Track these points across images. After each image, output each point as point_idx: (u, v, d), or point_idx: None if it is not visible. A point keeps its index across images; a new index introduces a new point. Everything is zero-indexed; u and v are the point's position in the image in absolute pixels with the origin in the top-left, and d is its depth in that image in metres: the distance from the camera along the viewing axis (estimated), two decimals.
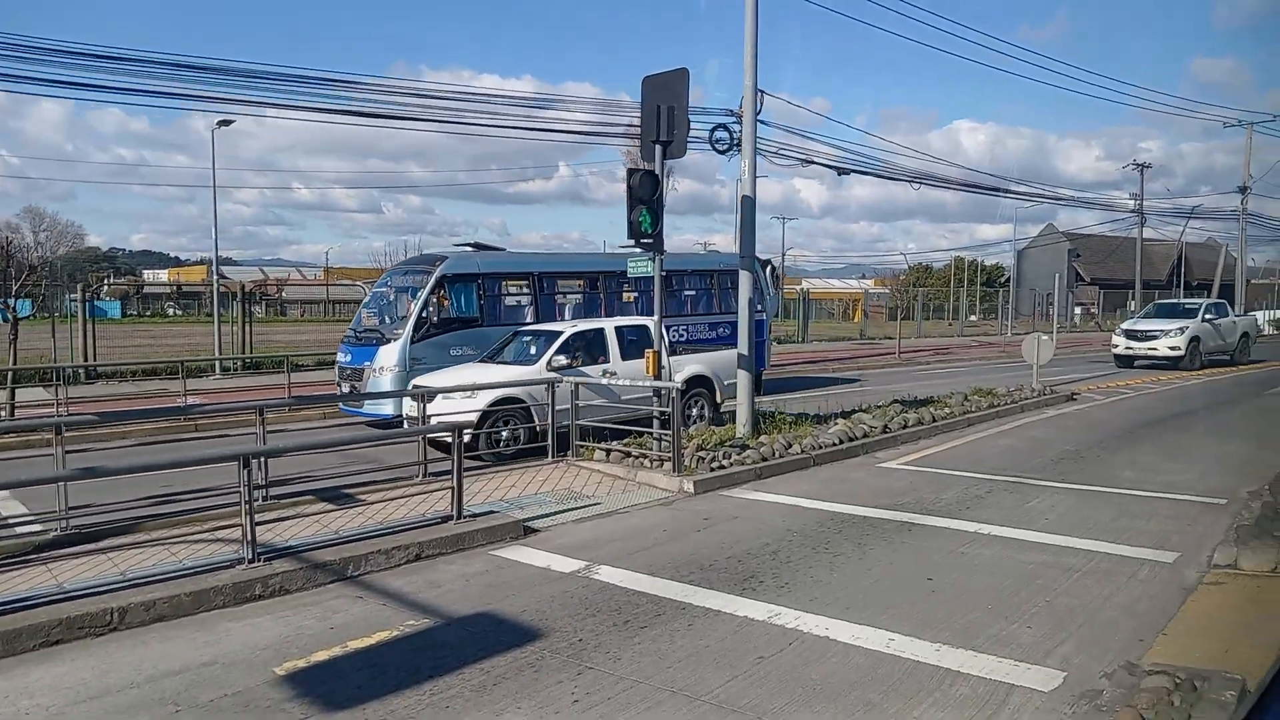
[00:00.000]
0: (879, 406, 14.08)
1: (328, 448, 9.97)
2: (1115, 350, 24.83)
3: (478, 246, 16.20)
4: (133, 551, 7.07)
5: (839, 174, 25.20)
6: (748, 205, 11.34)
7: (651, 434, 10.36)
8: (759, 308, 18.35)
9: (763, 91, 15.82)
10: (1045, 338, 18.08)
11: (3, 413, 14.24)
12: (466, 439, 10.52)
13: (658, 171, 9.76)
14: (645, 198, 9.56)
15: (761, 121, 18.41)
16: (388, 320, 14.97)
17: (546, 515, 8.41)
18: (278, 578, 6.42)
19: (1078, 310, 59.49)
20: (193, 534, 7.57)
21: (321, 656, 5.23)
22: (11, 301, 15.18)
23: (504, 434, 11.36)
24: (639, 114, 10.47)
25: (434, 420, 10.44)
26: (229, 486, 7.61)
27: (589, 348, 12.42)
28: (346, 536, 7.35)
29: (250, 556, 6.56)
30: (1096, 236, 61.85)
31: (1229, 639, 5.31)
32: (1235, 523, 7.71)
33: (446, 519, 7.79)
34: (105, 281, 71.12)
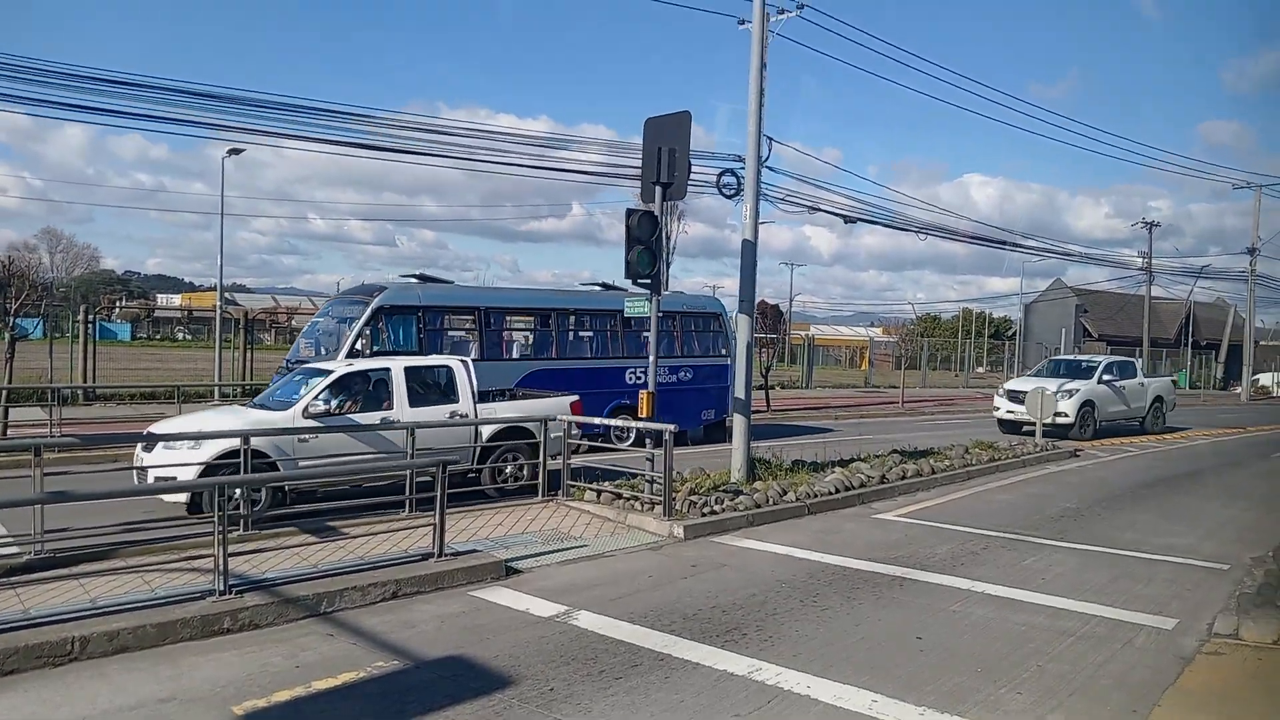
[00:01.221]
0: (878, 456, 13.89)
1: (310, 479, 9.80)
2: (996, 414, 21.40)
3: (422, 278, 15.50)
4: (107, 578, 6.91)
5: (846, 222, 25.31)
6: (748, 250, 11.28)
7: (642, 476, 10.19)
8: (723, 351, 18.10)
9: (770, 138, 15.88)
10: (1049, 392, 17.92)
11: None
12: (182, 499, 9.34)
13: (658, 213, 9.72)
14: (644, 238, 9.52)
15: (769, 168, 18.51)
16: (323, 351, 14.07)
17: (531, 556, 8.23)
18: (248, 611, 6.26)
19: None
20: (169, 562, 7.41)
21: (283, 697, 5.05)
22: (9, 320, 15.13)
23: (236, 494, 8.84)
24: None
25: (151, 475, 9.00)
26: (209, 514, 7.50)
27: (369, 391, 10.63)
28: (323, 571, 7.19)
29: (222, 588, 6.39)
30: (1105, 293, 61.86)
31: (1228, 716, 5.10)
32: (1237, 590, 7.50)
33: (427, 556, 7.62)
34: (117, 304, 71.58)
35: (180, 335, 70.59)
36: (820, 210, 24.69)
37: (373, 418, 10.28)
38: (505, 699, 5.05)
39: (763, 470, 11.96)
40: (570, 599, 7.00)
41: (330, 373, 10.49)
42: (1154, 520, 10.86)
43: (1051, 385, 19.93)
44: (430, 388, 11.08)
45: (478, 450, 10.90)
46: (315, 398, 10.09)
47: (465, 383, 11.11)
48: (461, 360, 11.51)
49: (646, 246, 9.59)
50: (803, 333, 49.73)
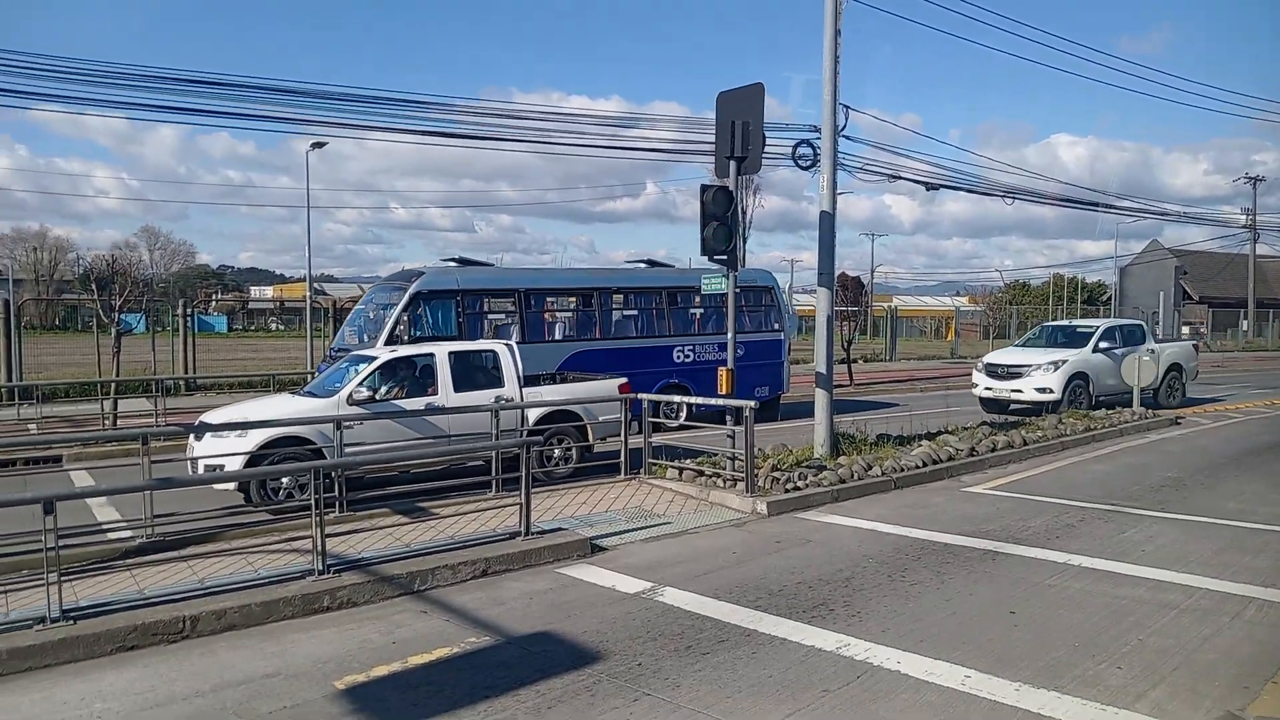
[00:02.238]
0: (966, 428, 13.59)
1: (396, 463, 10.06)
2: (975, 391, 18.71)
3: (462, 261, 15.44)
4: (212, 560, 7.25)
5: (928, 189, 24.72)
6: (826, 221, 11.09)
7: (723, 453, 10.17)
8: (775, 326, 17.63)
9: (846, 107, 15.54)
10: (1146, 358, 17.23)
11: (107, 422, 14.92)
12: (231, 487, 9.49)
13: (733, 188, 9.63)
14: (719, 214, 9.44)
15: (846, 137, 18.19)
16: (365, 339, 14.05)
17: (615, 533, 8.32)
18: (345, 590, 6.49)
19: (1185, 329, 56.69)
20: (270, 544, 7.73)
21: (381, 671, 5.23)
22: (116, 315, 15.89)
23: (284, 482, 9.60)
24: None
25: (201, 465, 9.28)
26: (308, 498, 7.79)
27: (414, 377, 10.68)
28: (415, 550, 7.40)
29: (320, 568, 6.64)
30: (1205, 253, 59.07)
31: None
32: None
33: (514, 535, 7.77)
34: (213, 298, 74.62)
35: (274, 325, 73.09)
36: (900, 178, 24.21)
37: (417, 403, 10.32)
38: (594, 673, 5.13)
39: (846, 445, 11.81)
40: (655, 575, 7.06)
41: (374, 359, 10.56)
42: (1262, 489, 10.37)
43: (1039, 356, 17.88)
44: (475, 372, 11.05)
45: (525, 435, 10.74)
46: (359, 385, 10.19)
47: (510, 367, 11.09)
48: (506, 344, 11.46)
49: (722, 222, 9.51)
50: (885, 304, 48.83)
